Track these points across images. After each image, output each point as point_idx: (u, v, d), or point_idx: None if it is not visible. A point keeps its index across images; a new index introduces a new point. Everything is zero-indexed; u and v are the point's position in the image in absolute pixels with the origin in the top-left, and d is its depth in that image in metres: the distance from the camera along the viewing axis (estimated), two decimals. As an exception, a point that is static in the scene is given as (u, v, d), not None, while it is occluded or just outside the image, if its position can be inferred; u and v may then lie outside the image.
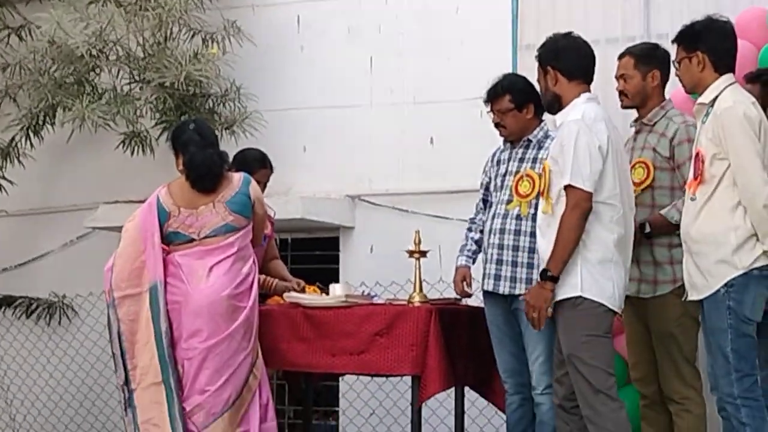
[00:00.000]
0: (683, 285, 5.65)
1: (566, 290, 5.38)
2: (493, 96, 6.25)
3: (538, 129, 6.24)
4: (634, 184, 5.84)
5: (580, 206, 5.32)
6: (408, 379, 7.07)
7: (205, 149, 6.25)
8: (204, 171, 6.21)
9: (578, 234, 5.32)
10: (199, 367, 6.05)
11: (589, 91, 5.56)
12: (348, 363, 6.19)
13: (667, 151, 5.79)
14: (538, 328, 5.44)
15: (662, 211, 5.84)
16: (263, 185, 6.73)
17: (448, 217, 7.70)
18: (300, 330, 6.28)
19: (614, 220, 5.41)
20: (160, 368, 6.06)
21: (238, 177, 6.27)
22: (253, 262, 6.22)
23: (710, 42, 5.42)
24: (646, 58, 5.94)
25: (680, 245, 5.64)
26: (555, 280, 5.34)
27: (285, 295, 6.47)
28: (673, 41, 5.58)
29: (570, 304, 5.38)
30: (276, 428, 6.21)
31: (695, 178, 5.38)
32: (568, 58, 5.55)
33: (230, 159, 6.53)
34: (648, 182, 5.83)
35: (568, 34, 5.63)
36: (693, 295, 5.45)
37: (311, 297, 6.42)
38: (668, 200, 5.82)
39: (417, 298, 6.21)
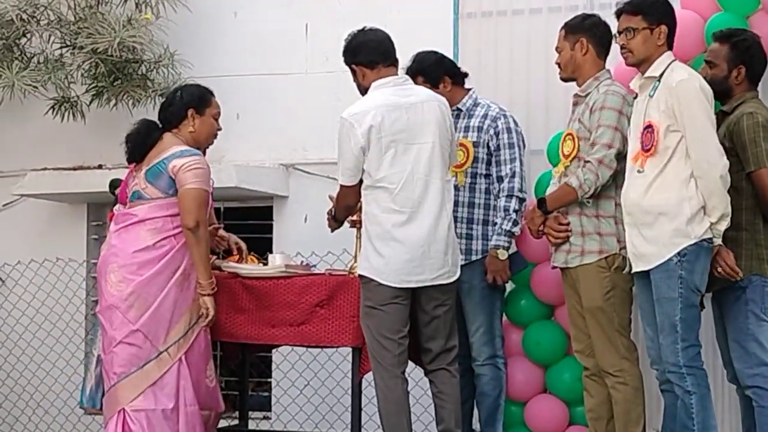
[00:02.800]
0: (609, 257, 5.68)
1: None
2: None
3: (466, 98, 6.41)
4: (563, 156, 5.87)
5: (343, 199, 5.88)
6: (344, 350, 7.06)
7: (144, 120, 6.22)
8: (127, 141, 6.14)
9: (341, 219, 6.06)
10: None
11: (391, 73, 5.83)
12: (288, 334, 6.16)
13: (589, 120, 5.80)
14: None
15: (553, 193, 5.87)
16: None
17: (383, 187, 7.60)
18: (239, 301, 6.21)
19: (390, 200, 5.64)
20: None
21: (174, 149, 6.06)
22: (173, 237, 6.02)
23: (671, 18, 5.53)
24: (574, 27, 5.97)
25: (609, 217, 5.67)
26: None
27: (223, 265, 6.37)
28: (628, 11, 5.55)
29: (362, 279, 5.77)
30: (198, 413, 6.06)
31: (645, 151, 5.41)
32: (364, 51, 5.86)
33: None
34: (574, 153, 5.83)
35: (362, 29, 5.97)
36: (639, 266, 5.49)
37: (250, 267, 6.33)
38: None
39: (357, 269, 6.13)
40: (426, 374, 5.96)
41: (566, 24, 5.98)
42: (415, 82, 6.09)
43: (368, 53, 5.83)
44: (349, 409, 7.46)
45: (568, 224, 5.78)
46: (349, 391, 7.43)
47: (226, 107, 8.00)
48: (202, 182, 6.00)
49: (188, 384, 6.01)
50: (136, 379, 5.93)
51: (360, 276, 5.78)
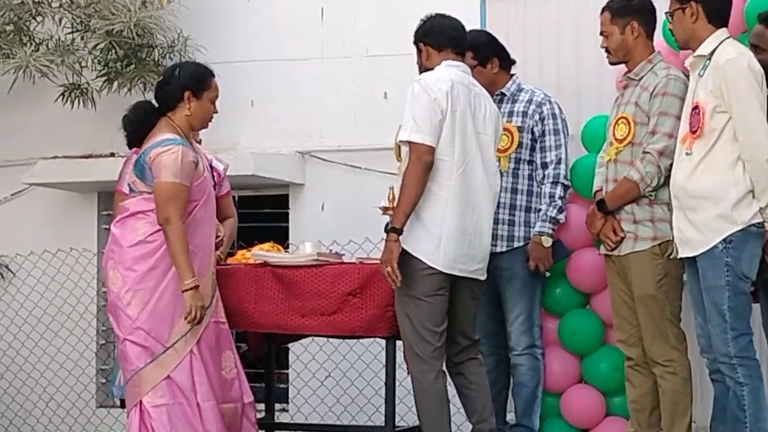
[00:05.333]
0: (662, 244, 5.55)
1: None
2: None
3: (510, 82, 6.33)
4: (616, 140, 5.72)
5: (422, 159, 5.38)
6: (366, 340, 6.92)
7: (139, 103, 6.07)
8: (125, 127, 5.97)
9: (421, 186, 5.38)
10: None
11: (458, 59, 5.67)
12: (319, 324, 6.00)
13: (647, 105, 5.64)
14: (393, 284, 5.42)
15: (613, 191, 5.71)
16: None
17: (403, 174, 7.45)
18: (268, 290, 6.06)
19: (451, 179, 5.45)
20: None
21: (156, 138, 5.80)
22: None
23: None
24: (622, 10, 5.80)
25: (662, 203, 5.54)
26: (398, 231, 5.38)
27: (252, 252, 6.22)
28: None
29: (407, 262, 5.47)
30: (215, 408, 5.83)
31: (692, 132, 5.27)
32: (436, 32, 5.69)
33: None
34: (629, 138, 5.69)
35: (439, 14, 5.80)
36: (686, 252, 5.36)
37: (280, 255, 6.17)
38: None
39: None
40: (452, 367, 5.75)
41: (610, 7, 5.81)
42: (463, 58, 5.93)
43: (440, 35, 5.69)
44: (371, 401, 7.39)
45: (624, 237, 5.64)
46: (372, 383, 7.37)
47: (241, 93, 8.01)
48: (173, 174, 5.71)
49: (203, 378, 5.82)
50: (148, 374, 5.75)
51: (404, 256, 5.43)
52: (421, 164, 5.39)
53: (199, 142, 6.24)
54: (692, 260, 5.34)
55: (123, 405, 6.01)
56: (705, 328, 5.36)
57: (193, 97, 5.90)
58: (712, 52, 5.29)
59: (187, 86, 5.90)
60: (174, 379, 5.76)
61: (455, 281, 5.53)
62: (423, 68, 5.72)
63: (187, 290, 5.69)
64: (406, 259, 5.45)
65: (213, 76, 6.02)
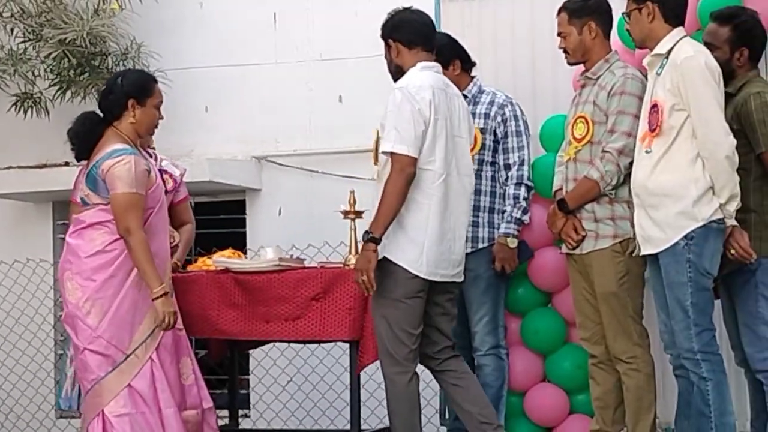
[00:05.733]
0: (623, 242, 5.59)
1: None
2: None
3: (471, 84, 6.33)
4: (575, 139, 5.75)
5: (405, 171, 5.30)
6: (327, 345, 6.93)
7: (84, 114, 5.98)
8: (71, 140, 5.89)
9: (402, 198, 5.31)
10: None
11: (430, 59, 5.57)
12: (283, 329, 5.99)
13: (605, 104, 5.68)
14: (367, 292, 5.37)
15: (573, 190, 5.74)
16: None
17: (359, 177, 7.46)
18: (231, 296, 6.04)
19: (434, 186, 5.40)
20: None
21: (106, 149, 5.73)
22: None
23: None
24: (579, 11, 5.82)
25: (622, 201, 5.58)
26: (376, 240, 5.30)
27: (213, 259, 6.20)
28: None
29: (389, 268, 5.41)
30: (176, 415, 5.77)
31: (651, 131, 5.31)
32: (406, 28, 5.57)
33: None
34: (588, 137, 5.72)
35: (407, 8, 5.67)
36: (647, 249, 5.39)
37: (241, 261, 6.15)
38: None
39: (353, 261, 5.95)
40: (437, 365, 5.65)
41: (567, 8, 5.82)
42: (433, 54, 5.84)
43: (409, 32, 5.56)
44: (334, 404, 7.40)
45: (585, 235, 5.67)
46: (334, 386, 7.38)
47: (195, 99, 8.02)
48: (128, 185, 5.67)
49: (164, 386, 5.79)
50: (109, 383, 5.71)
51: (385, 263, 5.37)
52: (404, 176, 5.31)
53: (153, 149, 6.22)
54: (654, 257, 5.38)
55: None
56: (668, 325, 5.39)
57: (137, 105, 5.85)
58: (670, 51, 5.33)
59: (131, 94, 5.84)
60: (135, 387, 5.72)
61: (434, 284, 5.49)
62: (393, 65, 5.61)
63: (157, 298, 5.64)
64: (386, 265, 5.39)
65: (156, 82, 6.00)
